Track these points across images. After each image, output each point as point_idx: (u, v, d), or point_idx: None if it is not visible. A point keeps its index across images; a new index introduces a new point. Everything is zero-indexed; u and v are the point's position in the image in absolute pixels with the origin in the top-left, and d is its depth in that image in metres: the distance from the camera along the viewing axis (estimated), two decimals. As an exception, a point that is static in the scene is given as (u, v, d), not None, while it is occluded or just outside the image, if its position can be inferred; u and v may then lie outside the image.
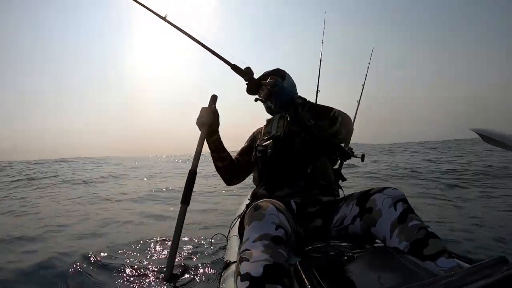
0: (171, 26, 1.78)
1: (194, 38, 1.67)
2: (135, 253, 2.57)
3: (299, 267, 0.94)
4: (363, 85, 2.93)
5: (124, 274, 2.14)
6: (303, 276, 0.89)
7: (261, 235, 1.01)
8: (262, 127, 1.81)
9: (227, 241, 1.79)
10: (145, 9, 1.91)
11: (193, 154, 1.69)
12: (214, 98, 1.61)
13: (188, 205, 1.68)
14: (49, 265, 2.25)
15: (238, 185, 1.88)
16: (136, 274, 2.15)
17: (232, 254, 1.49)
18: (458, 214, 3.49)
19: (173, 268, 1.76)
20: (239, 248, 1.05)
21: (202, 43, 1.64)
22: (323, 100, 2.50)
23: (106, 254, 2.49)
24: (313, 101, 2.33)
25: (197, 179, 1.65)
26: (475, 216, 3.35)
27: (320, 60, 2.70)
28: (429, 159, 11.50)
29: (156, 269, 2.15)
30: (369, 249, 1.08)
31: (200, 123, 1.57)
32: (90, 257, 2.38)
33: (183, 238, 3.12)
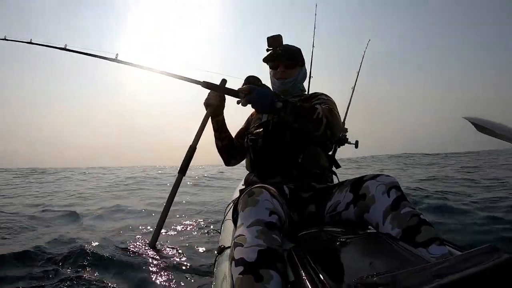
0: (125, 65, 1.85)
1: (151, 69, 1.80)
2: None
3: (293, 252, 0.95)
4: (358, 72, 2.93)
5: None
6: (297, 261, 0.90)
7: (255, 221, 1.01)
8: None
9: (221, 226, 1.80)
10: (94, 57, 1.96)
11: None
12: (223, 82, 1.65)
13: (184, 175, 1.89)
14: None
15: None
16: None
17: (226, 239, 1.50)
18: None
19: (158, 235, 1.96)
20: (233, 234, 1.05)
21: (162, 71, 1.74)
22: (316, 86, 2.49)
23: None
24: (306, 87, 2.32)
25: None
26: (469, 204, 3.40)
27: (313, 46, 2.70)
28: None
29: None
30: (362, 235, 1.09)
31: (206, 103, 1.68)
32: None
33: (180, 222, 3.15)
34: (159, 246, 2.40)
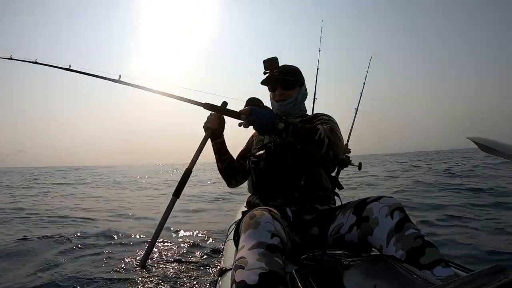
0: (128, 86, 1.89)
1: (153, 90, 1.79)
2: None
3: (295, 275, 0.94)
4: (361, 93, 2.91)
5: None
6: (299, 284, 0.88)
7: (257, 243, 1.00)
8: None
9: (223, 247, 1.78)
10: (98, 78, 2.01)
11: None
12: (224, 104, 1.65)
13: (179, 197, 1.86)
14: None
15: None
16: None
17: (228, 261, 1.47)
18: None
19: (149, 255, 1.95)
20: (235, 256, 1.04)
21: (164, 93, 1.76)
22: (320, 106, 2.50)
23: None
24: (310, 108, 2.33)
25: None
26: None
27: (317, 69, 2.70)
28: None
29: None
30: (366, 257, 1.08)
31: (205, 127, 1.68)
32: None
33: (181, 241, 3.12)
34: (159, 266, 2.39)
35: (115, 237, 3.40)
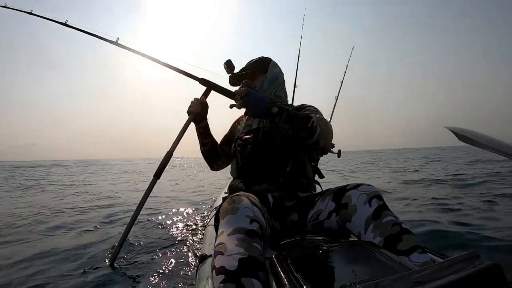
0: (125, 49, 1.90)
1: (151, 57, 1.84)
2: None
3: (275, 261, 0.94)
4: (342, 82, 2.96)
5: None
6: (279, 269, 0.88)
7: (235, 229, 1.00)
8: (244, 115, 1.81)
9: (203, 234, 1.78)
10: (96, 37, 1.99)
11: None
12: (207, 90, 1.71)
13: (159, 178, 1.90)
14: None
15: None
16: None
17: (208, 247, 1.47)
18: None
19: (130, 229, 1.91)
20: (215, 242, 1.04)
21: (160, 61, 1.81)
22: (301, 96, 2.51)
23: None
24: (290, 96, 2.33)
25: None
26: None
27: (298, 56, 2.70)
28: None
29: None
30: (345, 243, 1.09)
31: (188, 111, 1.73)
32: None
33: (163, 230, 3.10)
34: (142, 245, 2.37)
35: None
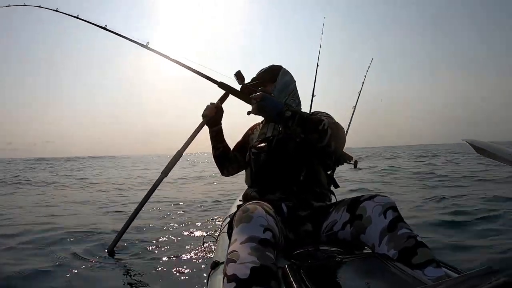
0: (154, 53, 2.04)
1: (179, 62, 1.95)
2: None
3: (288, 270, 0.94)
4: (360, 92, 2.94)
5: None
6: (291, 279, 0.88)
7: (249, 237, 1.00)
8: (258, 124, 1.82)
9: (217, 241, 1.78)
10: (127, 40, 2.19)
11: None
12: (224, 95, 1.79)
13: (166, 176, 2.02)
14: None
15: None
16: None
17: (221, 254, 1.47)
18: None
19: (132, 222, 2.11)
20: (228, 249, 1.04)
21: (191, 68, 1.91)
22: (318, 105, 2.50)
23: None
24: (309, 105, 2.34)
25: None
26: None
27: (317, 65, 2.69)
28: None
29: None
30: (359, 255, 1.08)
31: (203, 114, 1.79)
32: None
33: (177, 234, 3.13)
34: (156, 253, 2.40)
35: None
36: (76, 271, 2.08)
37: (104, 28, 2.25)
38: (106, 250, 2.36)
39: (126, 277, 2.03)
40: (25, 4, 2.56)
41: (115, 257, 2.30)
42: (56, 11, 2.49)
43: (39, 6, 2.56)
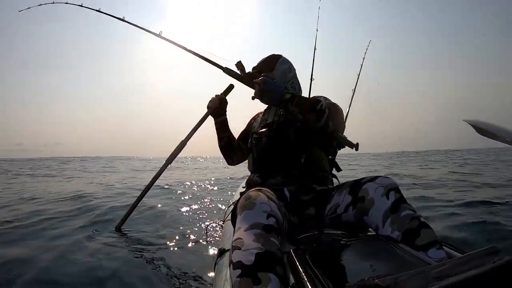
0: (167, 41, 2.11)
1: (190, 50, 2.01)
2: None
3: (293, 255, 0.95)
4: (358, 75, 2.94)
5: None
6: (297, 263, 0.90)
7: (252, 224, 1.01)
8: (260, 112, 1.85)
9: (222, 228, 1.81)
10: (140, 29, 2.32)
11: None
12: (228, 88, 1.88)
13: (170, 164, 2.24)
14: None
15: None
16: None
17: (226, 241, 1.49)
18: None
19: (128, 216, 2.46)
20: (233, 236, 1.05)
21: (198, 54, 1.95)
22: (317, 89, 2.49)
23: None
24: (307, 89, 2.34)
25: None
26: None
27: (314, 49, 2.68)
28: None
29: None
30: (363, 238, 1.09)
31: (207, 105, 1.87)
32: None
33: (183, 224, 3.16)
34: (162, 240, 2.46)
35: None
36: (84, 244, 2.27)
37: (123, 20, 2.44)
38: (114, 228, 2.62)
39: (133, 253, 2.12)
40: (54, 1, 2.77)
41: (122, 235, 2.52)
42: (99, 11, 2.65)
43: (66, 3, 2.75)
